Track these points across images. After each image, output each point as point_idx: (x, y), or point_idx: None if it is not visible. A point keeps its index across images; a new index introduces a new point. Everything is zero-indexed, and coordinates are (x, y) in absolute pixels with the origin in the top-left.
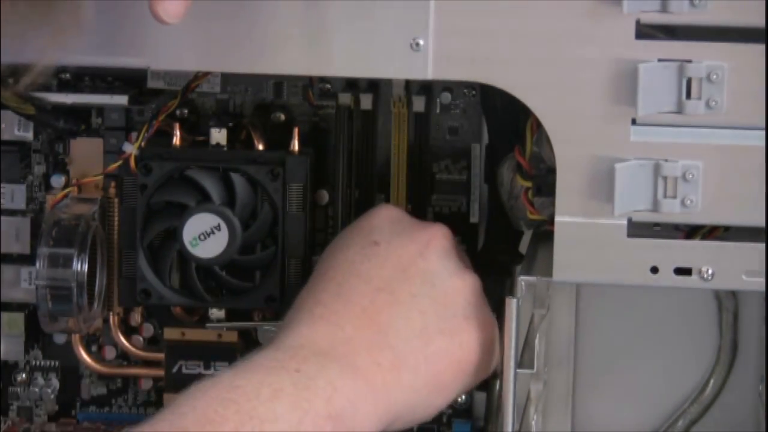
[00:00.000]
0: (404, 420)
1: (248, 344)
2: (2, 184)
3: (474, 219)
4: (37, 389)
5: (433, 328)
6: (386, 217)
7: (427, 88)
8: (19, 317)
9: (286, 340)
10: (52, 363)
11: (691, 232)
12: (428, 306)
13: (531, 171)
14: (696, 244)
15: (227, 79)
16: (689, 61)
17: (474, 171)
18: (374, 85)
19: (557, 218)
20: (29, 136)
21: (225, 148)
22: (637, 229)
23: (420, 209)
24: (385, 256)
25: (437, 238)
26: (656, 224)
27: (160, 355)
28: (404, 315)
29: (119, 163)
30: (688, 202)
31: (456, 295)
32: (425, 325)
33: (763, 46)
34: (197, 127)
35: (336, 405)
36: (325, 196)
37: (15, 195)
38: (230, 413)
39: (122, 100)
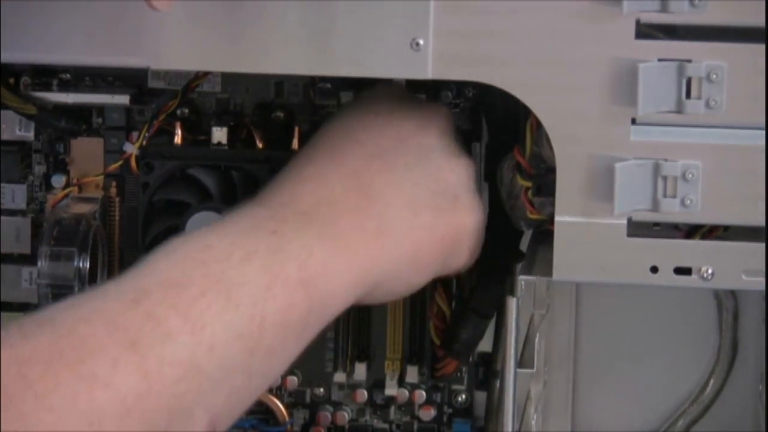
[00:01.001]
0: (381, 291)
1: None
2: (3, 184)
3: None
4: None
5: (422, 201)
6: (390, 91)
7: (427, 87)
8: (19, 317)
9: (271, 195)
10: None
11: (691, 231)
12: (421, 179)
13: (531, 170)
14: (695, 243)
15: (228, 78)
16: (689, 61)
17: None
18: (375, 85)
19: (557, 218)
20: (30, 136)
21: (226, 147)
22: (637, 229)
23: None
24: (384, 125)
25: (439, 116)
26: (656, 224)
27: None
28: (395, 184)
29: (120, 162)
30: (688, 201)
31: (450, 174)
32: (414, 198)
33: (762, 46)
34: (198, 127)
35: (310, 269)
36: None
37: (15, 195)
38: (197, 276)
39: (123, 99)
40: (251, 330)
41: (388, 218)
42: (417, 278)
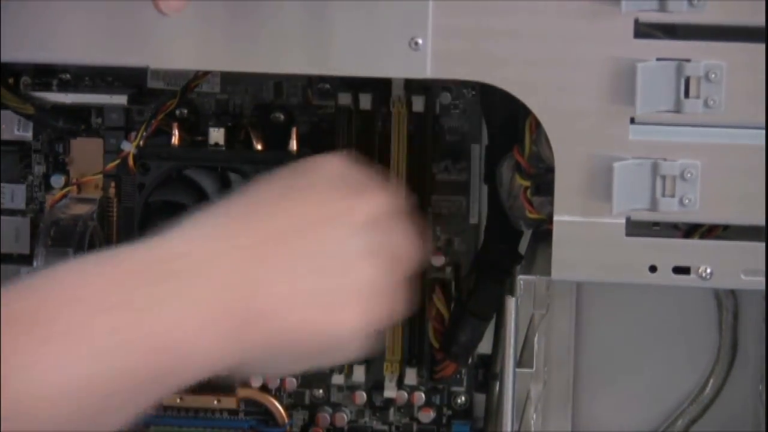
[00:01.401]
0: (246, 370)
1: None
2: (2, 184)
3: (474, 220)
4: None
5: (310, 296)
6: (336, 166)
7: (426, 88)
8: None
9: (166, 242)
10: None
11: (690, 230)
12: (315, 274)
13: (530, 170)
14: (694, 243)
15: (227, 79)
16: (688, 60)
17: (474, 171)
18: (374, 85)
19: (556, 217)
20: (29, 136)
21: (223, 148)
22: (636, 228)
23: (420, 210)
24: (306, 202)
25: (364, 211)
26: (655, 223)
27: None
28: (288, 272)
29: (117, 161)
30: (687, 201)
31: (349, 277)
32: (302, 290)
33: (761, 46)
34: (197, 127)
35: (169, 338)
36: None
37: (15, 195)
38: (60, 313)
39: (122, 99)
40: (88, 384)
41: (268, 305)
42: (291, 367)
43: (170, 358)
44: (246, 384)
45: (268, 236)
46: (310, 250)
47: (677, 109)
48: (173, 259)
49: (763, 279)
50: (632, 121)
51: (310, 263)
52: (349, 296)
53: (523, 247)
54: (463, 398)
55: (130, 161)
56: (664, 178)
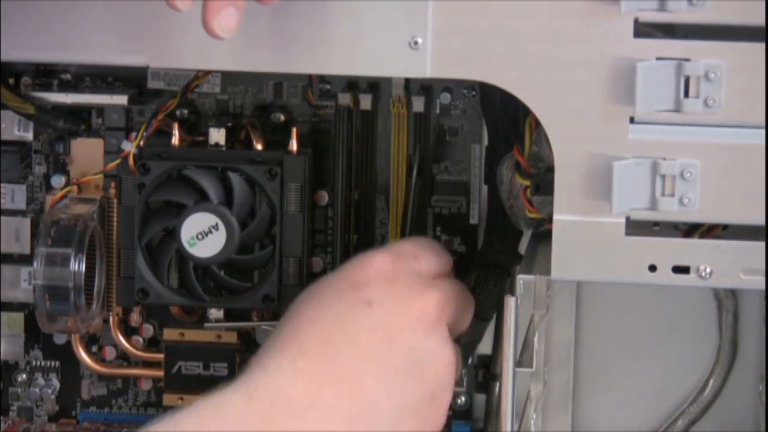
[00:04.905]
0: None
1: (248, 345)
2: (2, 185)
3: (474, 220)
4: (37, 389)
5: (408, 407)
6: (381, 272)
7: (426, 88)
8: (19, 317)
9: (260, 387)
10: (53, 363)
11: (690, 230)
12: (408, 384)
13: (530, 170)
14: (694, 242)
15: (227, 79)
16: (687, 60)
17: (474, 172)
18: (374, 86)
19: (556, 216)
20: (29, 136)
21: (223, 148)
22: (636, 228)
23: (420, 210)
24: (376, 320)
25: (429, 311)
26: (655, 223)
27: (160, 356)
28: (385, 390)
29: (118, 161)
30: (686, 200)
31: (433, 376)
32: (402, 404)
33: (761, 45)
34: (197, 128)
35: None
36: (324, 196)
37: (15, 195)
38: None
39: (122, 100)
40: None
41: (376, 427)
42: None
43: None
44: None
45: (358, 363)
46: (400, 364)
47: (677, 109)
48: (276, 403)
49: (762, 278)
50: (632, 120)
51: (403, 377)
52: (437, 392)
53: (523, 247)
54: (463, 398)
55: (131, 161)
56: (663, 177)
